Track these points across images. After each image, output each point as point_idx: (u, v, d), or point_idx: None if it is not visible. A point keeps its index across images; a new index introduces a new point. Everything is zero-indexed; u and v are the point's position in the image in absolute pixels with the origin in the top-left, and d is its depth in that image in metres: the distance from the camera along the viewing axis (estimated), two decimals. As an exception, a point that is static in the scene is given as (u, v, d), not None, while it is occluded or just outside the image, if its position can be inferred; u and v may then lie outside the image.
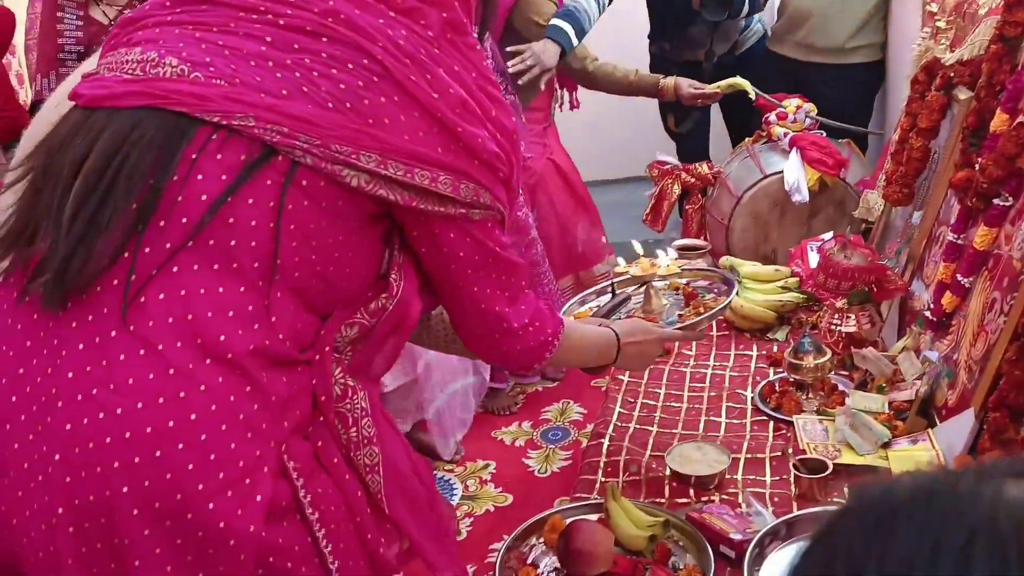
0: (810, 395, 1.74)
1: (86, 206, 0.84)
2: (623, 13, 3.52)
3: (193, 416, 0.82)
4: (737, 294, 2.08)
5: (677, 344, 2.06)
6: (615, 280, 1.85)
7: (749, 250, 2.63)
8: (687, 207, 3.00)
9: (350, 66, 0.90)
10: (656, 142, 3.52)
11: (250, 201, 0.86)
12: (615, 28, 3.88)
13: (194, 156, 0.86)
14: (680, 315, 1.72)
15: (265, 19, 0.91)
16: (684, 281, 1.85)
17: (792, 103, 2.74)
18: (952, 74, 1.89)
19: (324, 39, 0.90)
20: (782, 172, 2.54)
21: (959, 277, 1.59)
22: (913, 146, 1.95)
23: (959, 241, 1.65)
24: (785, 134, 2.66)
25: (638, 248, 1.95)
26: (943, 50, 2.04)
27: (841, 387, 1.75)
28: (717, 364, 1.97)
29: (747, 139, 2.90)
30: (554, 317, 1.19)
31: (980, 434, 1.38)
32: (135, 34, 0.93)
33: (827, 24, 2.95)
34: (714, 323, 2.14)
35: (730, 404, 1.80)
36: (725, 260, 2.29)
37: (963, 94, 1.82)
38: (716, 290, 1.84)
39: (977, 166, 1.59)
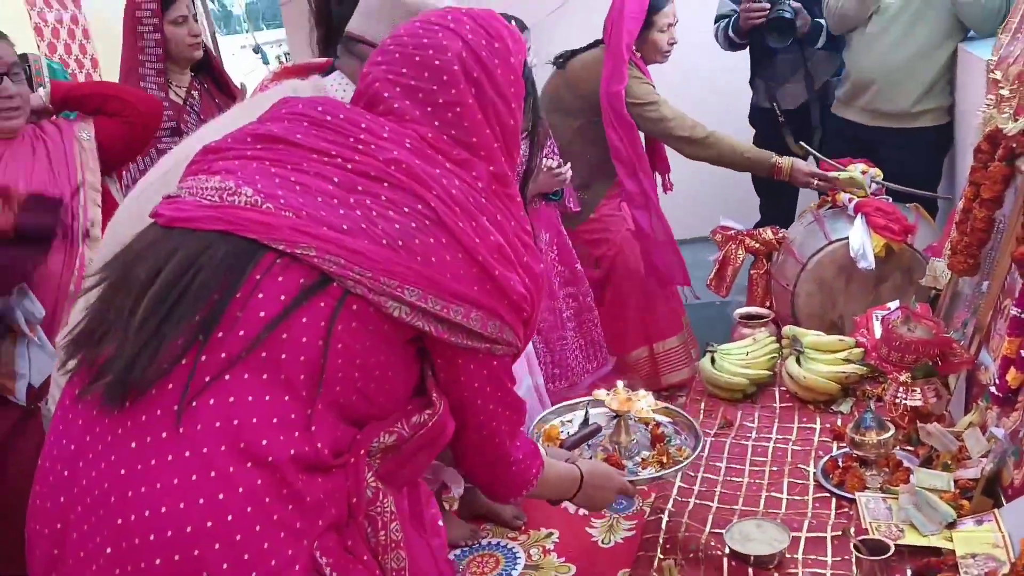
0: (874, 471, 1.72)
1: (155, 314, 0.93)
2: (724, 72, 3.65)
3: (230, 517, 0.88)
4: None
5: (739, 416, 2.06)
6: (588, 406, 1.89)
7: (815, 317, 2.61)
8: (752, 272, 3.01)
9: (406, 209, 1.01)
10: (722, 204, 3.55)
11: (304, 320, 0.95)
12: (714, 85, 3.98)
13: (258, 277, 0.95)
14: (643, 459, 1.73)
15: (335, 162, 1.03)
16: (656, 420, 1.85)
17: (857, 168, 2.74)
18: (1015, 144, 1.87)
19: (385, 184, 1.02)
20: (847, 238, 2.54)
21: (1023, 353, 1.57)
22: (977, 216, 1.93)
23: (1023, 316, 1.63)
24: (850, 199, 2.66)
25: (619, 383, 1.94)
26: (1007, 119, 2.03)
27: (906, 463, 1.72)
28: (780, 437, 1.97)
29: (812, 204, 2.91)
30: (538, 456, 1.30)
31: (1047, 518, 1.35)
32: (216, 163, 1.05)
33: (892, 89, 2.95)
34: (777, 394, 2.14)
35: (792, 480, 1.79)
36: (788, 330, 2.29)
37: (1026, 165, 1.81)
38: (683, 437, 1.81)
39: (1039, 241, 1.58)
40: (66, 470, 0.94)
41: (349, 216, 0.99)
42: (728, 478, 1.84)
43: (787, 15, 3.10)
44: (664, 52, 2.91)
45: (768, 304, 2.87)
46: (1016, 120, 1.93)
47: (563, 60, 2.94)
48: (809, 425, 2.00)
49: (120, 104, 2.26)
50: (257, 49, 7.41)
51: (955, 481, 1.59)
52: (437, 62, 1.09)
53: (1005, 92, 2.11)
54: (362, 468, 1.00)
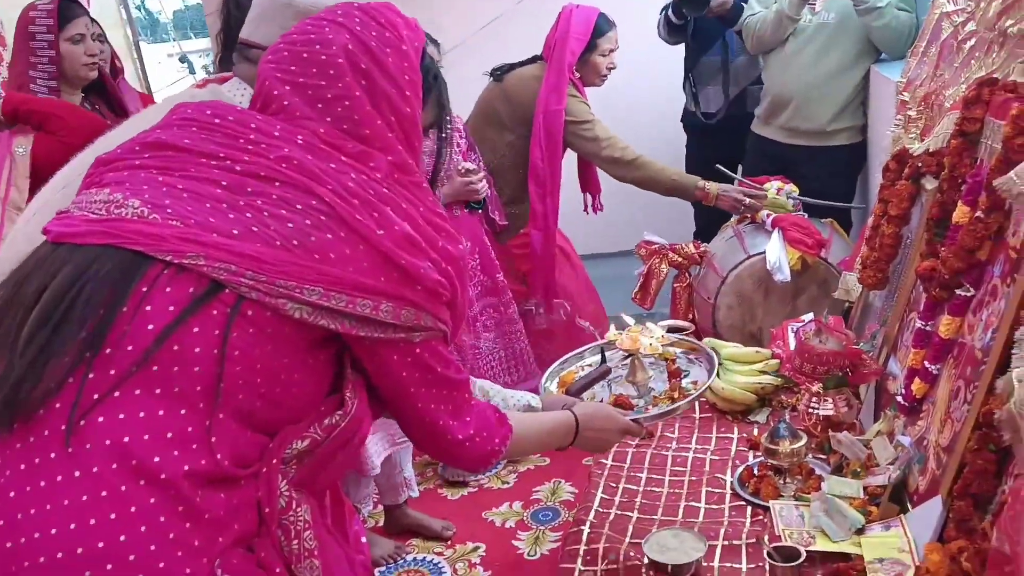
0: (787, 479, 1.76)
1: (40, 334, 0.91)
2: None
3: (123, 537, 0.86)
4: (718, 375, 2.13)
5: (660, 426, 2.09)
6: (604, 343, 1.92)
7: (735, 329, 2.67)
8: (675, 285, 3.07)
9: (299, 207, 0.99)
10: (645, 219, 3.61)
11: (196, 330, 0.93)
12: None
13: (145, 289, 0.93)
14: (655, 396, 1.77)
15: (224, 165, 1.01)
16: (673, 352, 1.90)
17: (774, 184, 2.83)
18: (920, 164, 1.95)
19: (277, 183, 1.00)
20: (765, 252, 2.61)
21: (927, 364, 1.63)
22: (885, 232, 2.00)
23: (927, 328, 1.69)
24: (768, 215, 2.74)
25: (629, 320, 2.01)
26: (913, 140, 2.12)
27: (818, 471, 1.77)
28: (699, 447, 2.00)
29: (732, 219, 2.98)
30: (502, 426, 1.26)
31: (947, 522, 1.40)
32: (106, 175, 1.03)
33: (809, 108, 3.05)
34: (697, 404, 2.18)
35: (710, 489, 1.82)
36: (707, 341, 2.33)
37: (930, 184, 1.89)
38: (701, 365, 1.89)
39: (941, 256, 1.65)
40: None
41: (239, 220, 0.97)
42: (648, 488, 1.86)
43: None
44: (602, 76, 2.98)
45: (691, 317, 2.93)
46: (922, 141, 2.01)
47: (500, 73, 2.97)
48: (727, 435, 2.04)
49: (60, 124, 2.21)
50: (183, 58, 7.26)
51: (864, 488, 1.64)
52: (323, 56, 1.08)
53: (912, 113, 2.20)
54: (275, 477, 0.99)
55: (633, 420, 1.59)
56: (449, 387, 1.14)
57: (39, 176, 2.14)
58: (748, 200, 2.80)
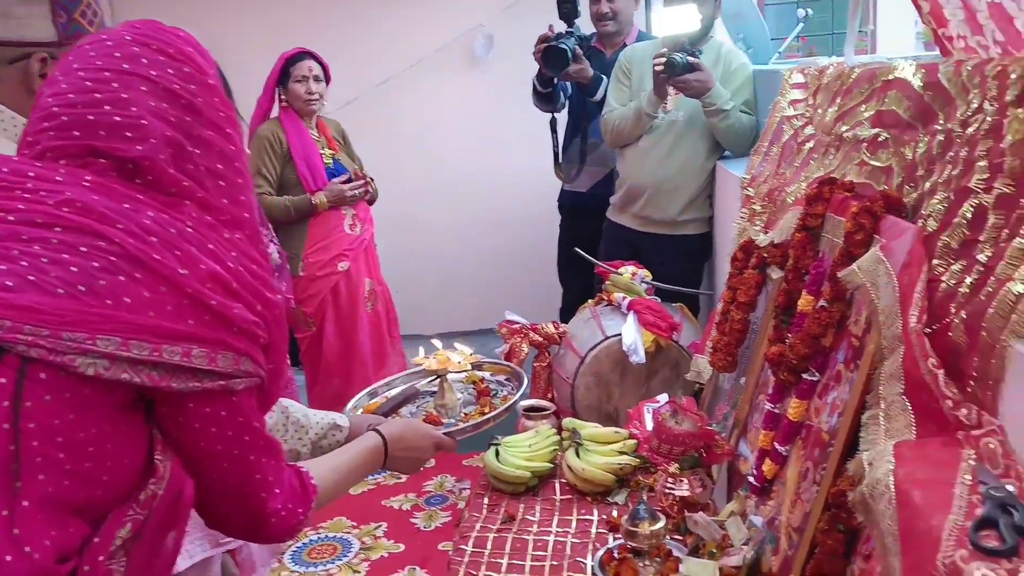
0: (647, 561, 1.77)
1: None
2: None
3: None
4: (577, 455, 2.13)
5: (521, 509, 2.06)
6: (411, 372, 1.90)
7: (593, 409, 2.71)
8: (536, 365, 3.09)
9: (83, 249, 0.88)
10: (505, 298, 3.67)
11: None
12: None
13: None
14: (466, 413, 1.76)
15: None
16: (480, 375, 1.91)
17: (628, 269, 2.93)
18: (766, 255, 2.08)
19: (57, 228, 0.89)
20: (621, 334, 2.68)
21: (776, 445, 1.70)
22: (734, 318, 2.10)
23: (776, 410, 1.77)
24: (624, 298, 2.82)
25: (437, 343, 1.99)
26: (758, 232, 2.26)
27: (676, 552, 1.78)
28: (560, 530, 1.98)
29: (590, 301, 3.06)
30: (306, 490, 1.15)
31: (801, 602, 1.44)
32: None
33: (660, 199, 3.22)
34: (558, 486, 2.17)
35: (571, 573, 1.80)
36: (568, 422, 2.35)
37: (775, 273, 2.00)
38: (511, 387, 1.91)
39: (787, 342, 1.74)
40: None
41: (13, 271, 0.85)
42: (510, 574, 1.82)
43: (562, 46, 3.32)
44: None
45: (550, 396, 2.95)
46: (766, 233, 2.15)
47: None
48: (587, 517, 2.04)
49: None
50: None
51: (720, 569, 1.67)
52: (117, 119, 0.96)
53: (757, 207, 2.35)
54: None
55: (446, 434, 1.54)
56: (268, 449, 1.03)
57: None
58: (350, 193, 3.51)
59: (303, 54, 3.52)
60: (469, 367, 1.85)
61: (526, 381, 1.87)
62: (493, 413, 1.71)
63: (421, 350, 1.93)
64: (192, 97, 1.00)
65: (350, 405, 1.80)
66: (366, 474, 1.39)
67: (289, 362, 3.17)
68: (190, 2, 4.50)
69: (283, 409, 1.43)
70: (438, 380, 1.83)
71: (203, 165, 1.00)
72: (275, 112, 3.59)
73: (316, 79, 3.52)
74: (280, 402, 1.40)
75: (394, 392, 1.89)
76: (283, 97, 3.54)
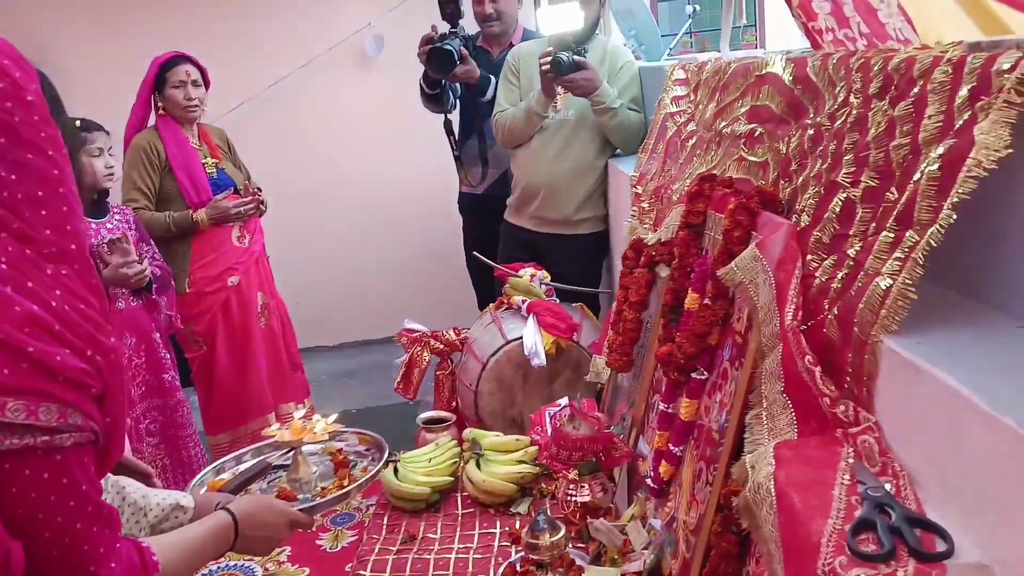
0: (550, 574, 1.73)
1: None
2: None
3: None
4: (477, 467, 2.08)
5: (422, 527, 2.00)
6: (263, 445, 1.81)
7: (497, 415, 2.67)
8: (438, 373, 3.03)
9: None
10: (411, 303, 3.60)
11: None
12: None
13: None
14: (323, 487, 1.67)
15: None
16: (338, 446, 1.81)
17: (527, 272, 2.90)
18: (654, 253, 2.07)
19: None
20: (522, 337, 2.64)
21: (671, 446, 1.69)
22: (627, 317, 2.09)
23: (669, 410, 1.75)
24: (523, 300, 2.79)
25: (297, 413, 1.90)
26: (647, 230, 2.25)
27: (579, 561, 1.75)
28: (461, 546, 1.93)
29: (491, 305, 3.01)
30: (145, 569, 1.04)
31: (699, 606, 1.43)
32: None
33: (556, 199, 3.19)
34: (460, 500, 2.11)
35: (473, 591, 1.75)
36: (468, 433, 2.30)
37: (664, 272, 2.00)
38: (371, 456, 1.82)
39: (676, 341, 1.73)
40: None
41: None
42: (410, 597, 1.76)
43: (447, 48, 3.28)
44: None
45: (454, 405, 2.89)
46: (655, 231, 2.14)
47: None
48: (490, 530, 1.99)
49: None
50: None
51: (623, 575, 1.65)
52: None
53: (645, 205, 2.35)
54: None
55: (301, 510, 1.47)
56: (97, 515, 0.93)
57: None
58: (235, 210, 3.34)
59: (178, 58, 3.35)
60: (327, 437, 1.73)
61: (387, 450, 1.77)
62: (353, 486, 1.61)
63: (275, 422, 1.82)
64: (7, 116, 0.90)
65: (194, 482, 1.66)
66: (214, 556, 1.28)
67: (180, 384, 3.05)
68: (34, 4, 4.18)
69: (119, 488, 1.30)
70: (291, 453, 1.71)
71: (20, 192, 0.90)
72: (152, 121, 3.42)
73: (195, 84, 3.35)
74: (117, 481, 1.29)
75: (244, 467, 1.75)
76: (160, 104, 3.37)
